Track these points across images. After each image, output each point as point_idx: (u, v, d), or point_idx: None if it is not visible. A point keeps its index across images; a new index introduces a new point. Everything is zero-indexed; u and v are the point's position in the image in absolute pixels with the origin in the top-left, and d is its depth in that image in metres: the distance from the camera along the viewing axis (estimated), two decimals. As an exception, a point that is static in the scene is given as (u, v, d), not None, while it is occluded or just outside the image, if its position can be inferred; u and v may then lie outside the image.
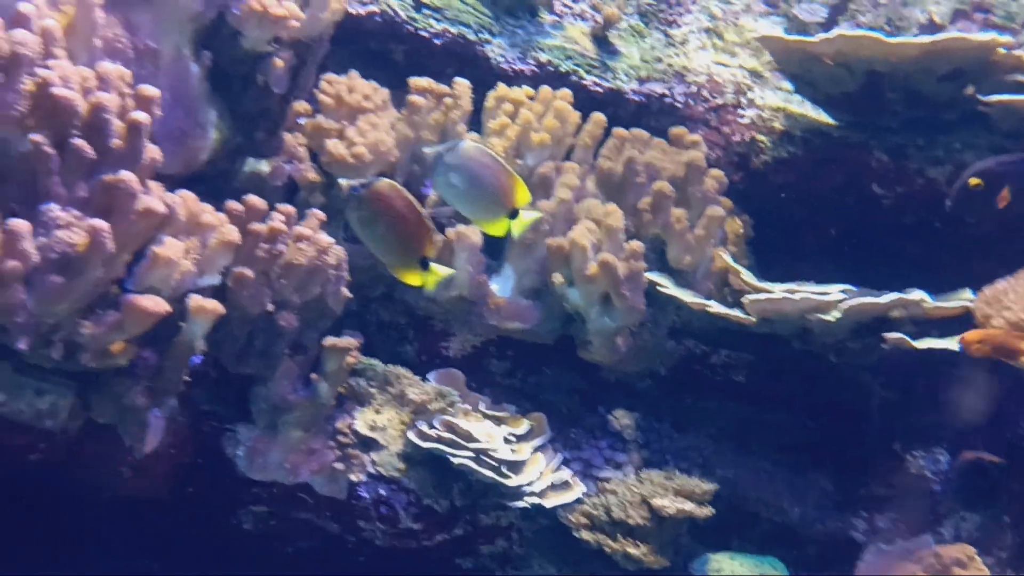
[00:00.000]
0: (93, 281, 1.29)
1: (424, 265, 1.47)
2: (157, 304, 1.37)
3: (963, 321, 1.82)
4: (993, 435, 1.94)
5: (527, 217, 1.57)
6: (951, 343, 1.72)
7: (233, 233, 1.51)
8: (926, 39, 1.77)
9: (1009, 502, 1.82)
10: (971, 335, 1.66)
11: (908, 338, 1.73)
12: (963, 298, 1.80)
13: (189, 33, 1.52)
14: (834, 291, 1.79)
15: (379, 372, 1.91)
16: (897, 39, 1.79)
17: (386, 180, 1.48)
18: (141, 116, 1.32)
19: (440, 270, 1.50)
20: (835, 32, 1.83)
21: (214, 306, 1.49)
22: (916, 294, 1.75)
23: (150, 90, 1.37)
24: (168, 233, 1.45)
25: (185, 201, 1.48)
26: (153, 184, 1.42)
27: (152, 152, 1.37)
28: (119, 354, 1.41)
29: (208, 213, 1.52)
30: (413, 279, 1.48)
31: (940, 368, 2.02)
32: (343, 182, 1.44)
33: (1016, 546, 1.77)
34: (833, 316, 1.76)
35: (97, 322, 1.36)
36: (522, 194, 1.53)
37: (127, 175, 1.29)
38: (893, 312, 1.83)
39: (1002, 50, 1.82)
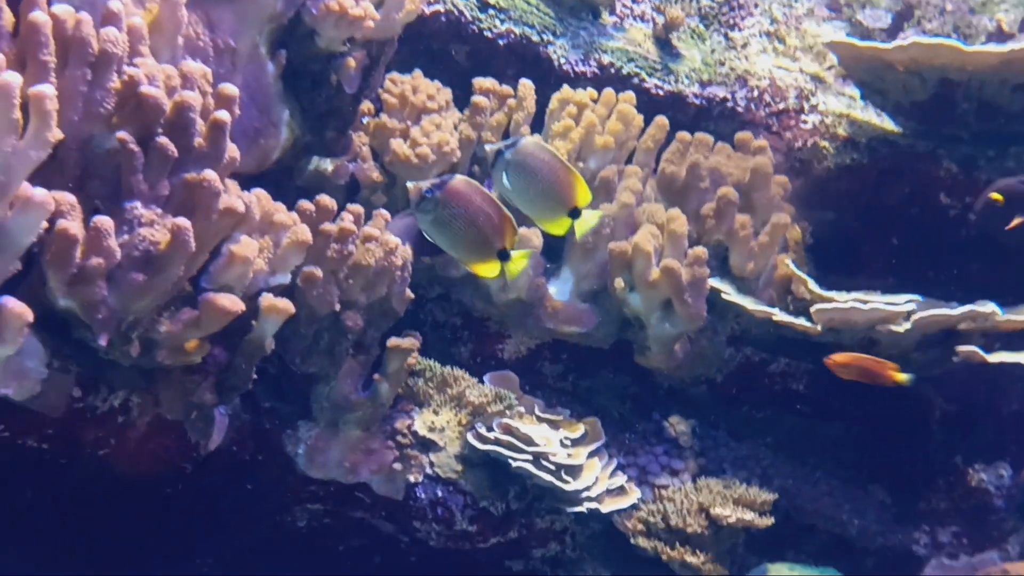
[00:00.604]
0: (173, 279, 1.29)
1: (504, 257, 1.44)
2: (234, 303, 1.37)
3: (1032, 335, 1.80)
4: (1058, 452, 1.92)
5: (590, 216, 1.53)
6: (1024, 358, 1.69)
7: (306, 233, 1.51)
8: (1005, 48, 1.74)
9: (1077, 521, 1.80)
10: (838, 357, 1.73)
11: (981, 351, 1.71)
12: (1034, 312, 1.77)
13: (267, 32, 1.52)
14: (903, 301, 1.76)
15: (437, 373, 1.91)
16: (975, 47, 1.76)
17: (460, 177, 1.45)
18: (223, 115, 1.31)
19: (520, 255, 1.46)
20: (910, 39, 1.80)
21: (286, 305, 1.49)
22: (988, 306, 1.72)
23: (231, 89, 1.36)
24: (243, 232, 1.45)
25: (260, 200, 1.48)
26: (230, 183, 1.42)
27: (232, 151, 1.36)
28: (194, 351, 1.41)
29: (281, 212, 1.51)
30: (491, 271, 1.44)
31: (1002, 381, 2.00)
32: (412, 185, 1.40)
33: (1084, 565, 1.75)
34: (903, 327, 1.73)
35: (173, 319, 1.36)
36: (583, 193, 1.50)
37: (210, 174, 1.28)
38: (962, 324, 1.80)
39: (1081, 61, 1.79)
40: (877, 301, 1.74)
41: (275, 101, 1.58)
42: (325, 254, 1.58)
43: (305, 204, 1.57)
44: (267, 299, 1.49)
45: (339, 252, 1.59)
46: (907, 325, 1.73)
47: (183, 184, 1.29)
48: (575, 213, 1.49)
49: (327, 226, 1.58)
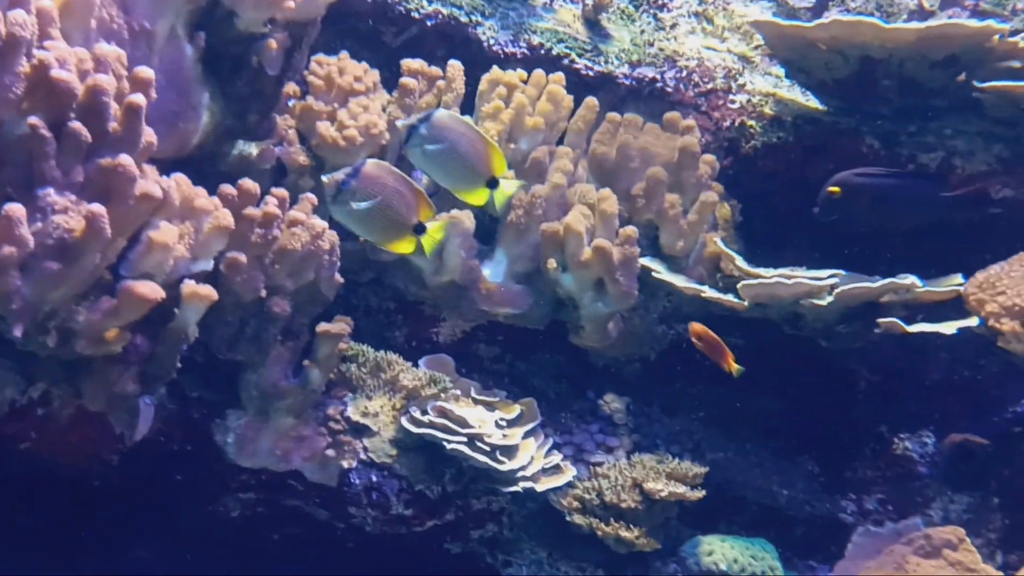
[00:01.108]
0: (90, 267, 1.26)
1: (420, 231, 1.46)
2: (153, 290, 1.34)
3: (954, 306, 1.85)
4: (980, 419, 1.97)
5: (508, 185, 1.55)
6: (945, 328, 1.73)
7: (228, 218, 1.49)
8: (923, 25, 1.77)
9: (998, 485, 1.84)
10: (696, 327, 1.78)
11: (901, 323, 1.75)
12: (954, 283, 1.82)
13: (184, 14, 1.48)
14: (826, 276, 1.79)
15: (370, 358, 1.90)
16: (894, 25, 1.79)
17: (371, 160, 1.46)
18: (139, 99, 1.29)
19: (435, 227, 1.48)
20: (830, 17, 1.83)
21: (208, 292, 1.47)
22: (908, 279, 1.76)
23: (146, 72, 1.34)
24: (162, 217, 1.43)
25: (179, 185, 1.46)
26: (148, 168, 1.40)
27: (149, 135, 1.34)
28: (114, 341, 1.38)
29: (202, 197, 1.49)
30: (408, 247, 1.46)
31: (927, 352, 2.05)
32: (326, 179, 1.41)
33: (1005, 527, 1.80)
34: (826, 301, 1.76)
35: (92, 309, 1.33)
36: (499, 162, 1.51)
37: (125, 159, 1.26)
38: (884, 297, 1.84)
39: (997, 37, 1.83)
40: (801, 276, 1.77)
41: (194, 84, 1.55)
42: (249, 239, 1.56)
43: (227, 189, 1.55)
44: (189, 286, 1.47)
45: (263, 237, 1.57)
46: (830, 299, 1.76)
47: (98, 170, 1.26)
48: (493, 183, 1.50)
49: (250, 211, 1.56)
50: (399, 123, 1.54)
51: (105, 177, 1.26)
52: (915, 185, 1.55)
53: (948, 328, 1.72)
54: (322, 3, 1.62)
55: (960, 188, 1.47)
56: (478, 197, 1.52)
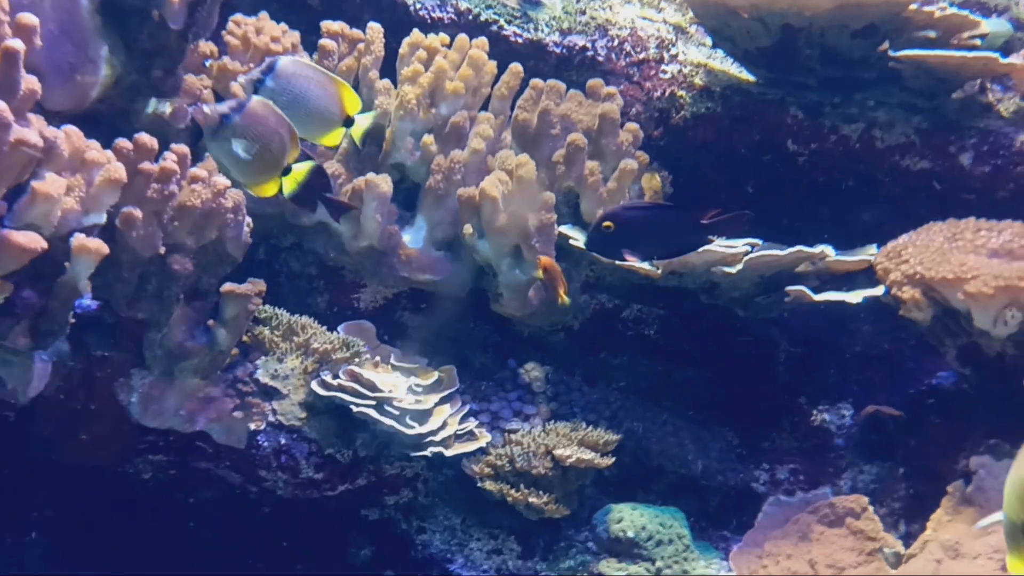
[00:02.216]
0: (-40, 214, 1.24)
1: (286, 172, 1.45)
2: (31, 240, 1.32)
3: (868, 276, 1.84)
4: (897, 391, 1.97)
5: (362, 119, 1.54)
6: (852, 296, 1.73)
7: (120, 171, 1.47)
8: (840, -8, 1.76)
9: (905, 455, 1.84)
10: (545, 260, 1.86)
11: (809, 291, 1.74)
12: (867, 253, 1.81)
13: (76, -37, 1.46)
14: (740, 244, 1.79)
15: (284, 321, 1.88)
16: (809, -9, 1.78)
17: (257, 98, 1.42)
18: (16, 43, 1.27)
19: (299, 170, 1.46)
20: (748, -17, 1.82)
21: (97, 245, 1.45)
22: (818, 248, 1.75)
23: (28, 18, 1.32)
24: (50, 169, 1.41)
25: (69, 136, 1.44)
26: (33, 117, 1.38)
27: (30, 83, 1.32)
28: (-5, 292, 1.36)
29: (95, 150, 1.47)
30: (271, 190, 1.45)
31: (847, 324, 2.04)
32: (207, 109, 1.38)
33: (910, 497, 1.80)
34: (735, 269, 1.75)
35: (-31, 258, 1.32)
36: (351, 100, 1.51)
37: (-2, 104, 1.24)
38: (800, 267, 1.83)
39: (914, 6, 1.82)
40: (714, 245, 1.76)
41: (91, 36, 1.53)
42: (145, 195, 1.54)
43: (123, 143, 1.53)
44: (78, 239, 1.45)
45: (160, 192, 1.55)
46: (739, 267, 1.75)
47: (-31, 115, 1.24)
48: (348, 122, 1.51)
49: (146, 165, 1.54)
50: (240, 79, 1.52)
51: (-24, 123, 1.24)
52: (677, 216, 1.64)
53: (855, 297, 1.72)
54: (221, -43, 1.60)
55: (712, 216, 1.59)
56: (334, 137, 1.52)
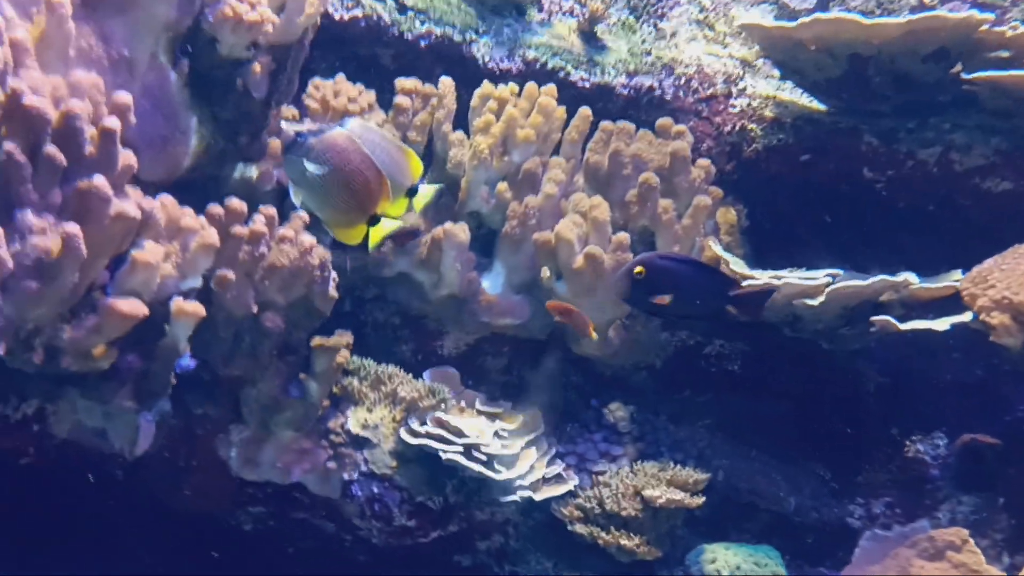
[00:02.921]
0: (68, 285, 1.32)
1: (373, 222, 1.36)
2: (134, 307, 1.39)
3: (955, 302, 1.81)
4: (992, 419, 1.92)
5: (425, 192, 1.47)
6: (938, 324, 1.70)
7: (212, 236, 1.53)
8: (903, 19, 1.75)
9: (1005, 485, 1.79)
10: (553, 303, 1.86)
11: (894, 320, 1.72)
12: (952, 279, 1.78)
13: (165, 41, 1.54)
14: (820, 276, 1.77)
15: (371, 371, 1.93)
16: (874, 20, 1.77)
17: (341, 131, 1.35)
18: (112, 122, 1.34)
19: (387, 225, 1.37)
20: (812, 16, 1.82)
21: (195, 308, 1.52)
22: (902, 276, 1.73)
23: (123, 96, 1.39)
24: (148, 237, 1.48)
25: (164, 206, 1.51)
26: (131, 189, 1.45)
27: (127, 158, 1.39)
28: (100, 358, 1.43)
29: (188, 217, 1.54)
30: (356, 237, 1.37)
31: (936, 352, 2.00)
32: (285, 126, 1.32)
33: (1012, 528, 1.75)
34: (818, 301, 1.74)
35: (76, 326, 1.39)
36: (416, 167, 1.43)
37: (99, 180, 1.31)
38: (884, 296, 1.81)
39: (985, 27, 1.80)
40: (792, 276, 1.75)
41: (181, 108, 1.61)
42: (237, 256, 1.61)
43: (215, 208, 1.60)
44: (177, 302, 1.52)
45: (251, 254, 1.61)
46: (821, 298, 1.74)
47: (74, 191, 1.32)
48: (412, 191, 1.44)
49: (237, 229, 1.60)
50: (293, 127, 1.43)
51: (81, 198, 1.31)
52: (711, 278, 1.62)
53: (942, 325, 1.68)
54: (300, 26, 1.67)
55: (742, 290, 1.58)
56: (398, 208, 1.42)
